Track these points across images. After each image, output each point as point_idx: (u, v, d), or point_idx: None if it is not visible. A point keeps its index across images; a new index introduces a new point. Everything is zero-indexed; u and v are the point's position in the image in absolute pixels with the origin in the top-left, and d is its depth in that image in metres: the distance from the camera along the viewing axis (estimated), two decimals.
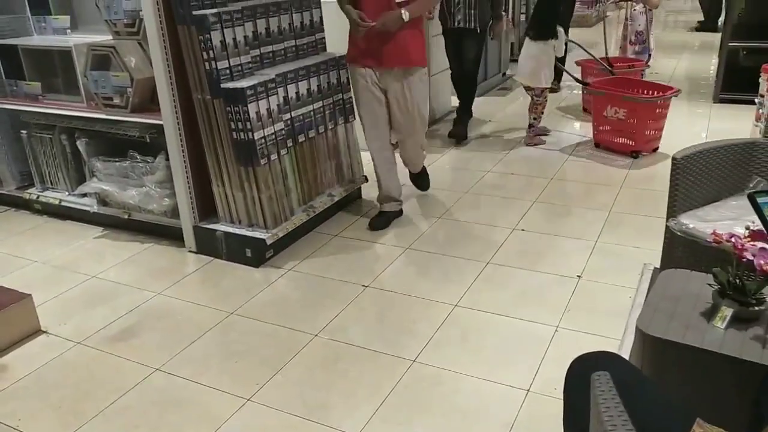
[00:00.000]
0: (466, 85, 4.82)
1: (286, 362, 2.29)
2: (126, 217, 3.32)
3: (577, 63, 5.41)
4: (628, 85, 4.57)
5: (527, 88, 4.58)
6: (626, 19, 5.69)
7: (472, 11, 4.39)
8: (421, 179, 3.75)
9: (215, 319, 2.58)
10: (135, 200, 3.22)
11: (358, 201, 3.73)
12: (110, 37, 3.09)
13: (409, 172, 3.70)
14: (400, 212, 3.48)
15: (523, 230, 3.26)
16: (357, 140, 3.59)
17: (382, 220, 3.38)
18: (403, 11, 2.95)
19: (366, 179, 3.70)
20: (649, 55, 5.63)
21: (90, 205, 3.45)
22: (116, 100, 3.10)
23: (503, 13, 4.61)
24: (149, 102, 3.11)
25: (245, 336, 2.48)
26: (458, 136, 4.73)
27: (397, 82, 3.13)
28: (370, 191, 3.80)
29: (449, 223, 3.42)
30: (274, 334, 2.48)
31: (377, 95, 3.18)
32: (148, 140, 3.11)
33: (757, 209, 0.91)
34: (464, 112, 4.84)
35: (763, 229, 0.92)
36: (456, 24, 4.46)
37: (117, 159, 3.27)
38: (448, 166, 4.36)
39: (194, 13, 2.72)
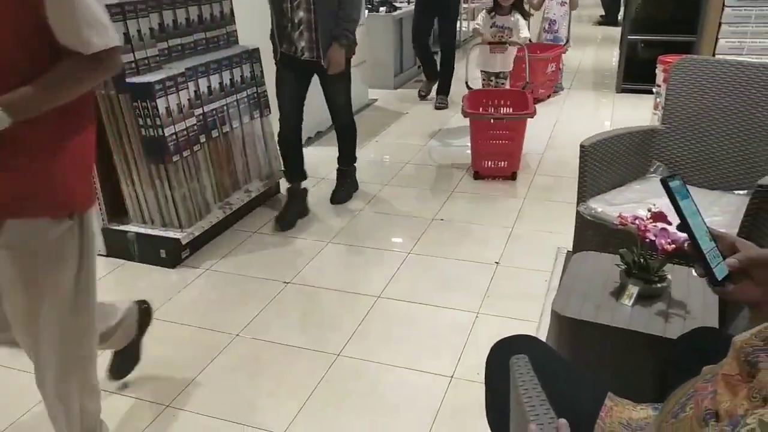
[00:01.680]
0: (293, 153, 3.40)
1: (207, 364, 2.22)
2: None
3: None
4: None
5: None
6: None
7: (313, 34, 3.02)
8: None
9: None
10: None
11: (277, 196, 3.67)
12: None
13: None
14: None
15: (442, 220, 3.31)
16: (274, 134, 3.52)
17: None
18: None
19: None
20: (567, 40, 5.93)
21: None
22: None
23: (348, 34, 3.06)
24: None
25: (162, 340, 2.38)
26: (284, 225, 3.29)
27: None
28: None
29: (370, 215, 3.42)
30: (193, 336, 2.39)
31: None
32: None
33: (669, 193, 0.95)
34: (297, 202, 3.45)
35: (675, 211, 0.97)
36: (298, 52, 3.07)
37: None
38: (367, 159, 4.36)
39: None
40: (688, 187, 1.01)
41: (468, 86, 4.27)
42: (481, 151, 3.84)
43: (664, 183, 0.97)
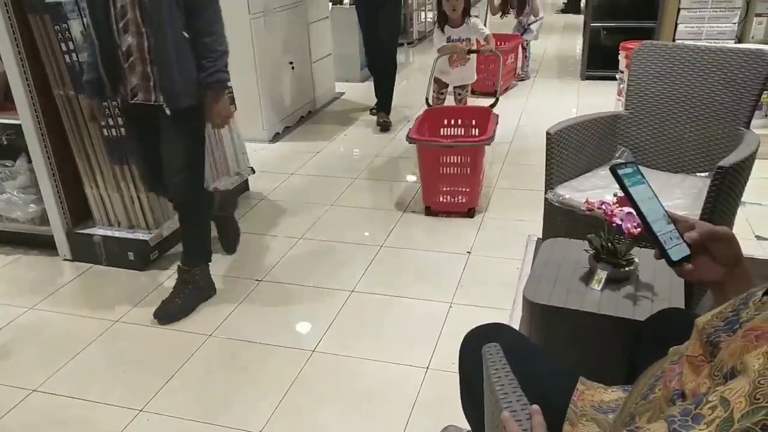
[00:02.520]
0: None
1: (181, 366, 2.19)
2: None
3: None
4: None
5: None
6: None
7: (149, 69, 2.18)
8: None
9: (98, 330, 2.41)
10: None
11: (247, 193, 3.63)
12: None
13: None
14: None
15: (413, 212, 3.32)
16: (239, 131, 3.48)
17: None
18: None
19: (253, 170, 3.59)
20: (525, 30, 6.00)
21: None
22: None
23: (224, 73, 2.30)
24: (3, 100, 2.83)
25: (134, 344, 2.34)
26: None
27: None
28: (258, 183, 3.70)
29: (341, 209, 3.40)
30: (165, 338, 2.36)
31: None
32: (5, 142, 2.83)
33: (619, 180, 0.98)
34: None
35: (625, 197, 0.99)
36: (128, 95, 2.24)
37: None
38: (337, 152, 4.34)
39: (47, 0, 2.50)
40: (650, 170, 1.03)
41: (428, 103, 3.73)
42: (432, 183, 3.18)
43: (613, 171, 1.00)
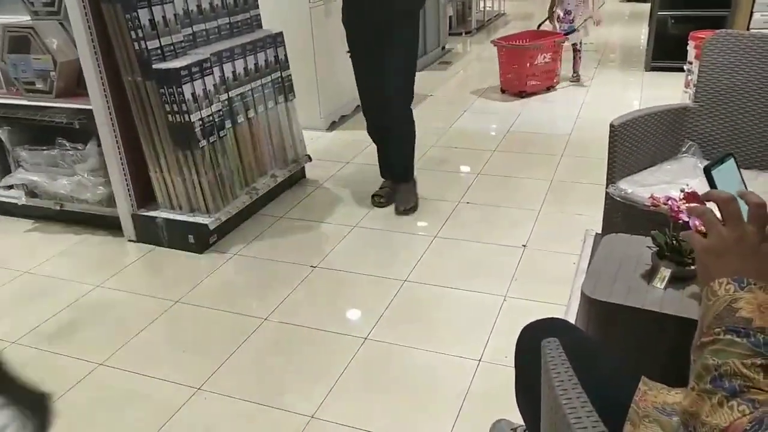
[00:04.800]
0: None
1: (237, 348, 2.25)
2: (58, 208, 3.16)
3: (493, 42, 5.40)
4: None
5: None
6: None
7: None
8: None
9: (160, 309, 2.50)
10: (67, 190, 3.07)
11: (303, 181, 3.68)
12: (28, 18, 2.91)
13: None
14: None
15: (468, 203, 3.29)
16: (298, 119, 3.52)
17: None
18: None
19: (309, 158, 3.64)
20: (572, 31, 5.31)
21: (17, 197, 3.26)
22: (39, 85, 2.93)
23: None
24: (76, 86, 2.95)
25: (192, 324, 2.42)
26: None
27: None
28: (314, 171, 3.75)
29: None
30: (222, 320, 2.43)
31: None
32: (77, 126, 2.95)
33: (712, 183, 0.92)
34: None
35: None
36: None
37: (44, 147, 3.10)
38: None
39: None
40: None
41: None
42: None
43: (707, 172, 0.93)
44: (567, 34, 5.27)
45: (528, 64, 5.10)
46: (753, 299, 0.75)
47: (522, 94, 5.18)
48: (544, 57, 5.16)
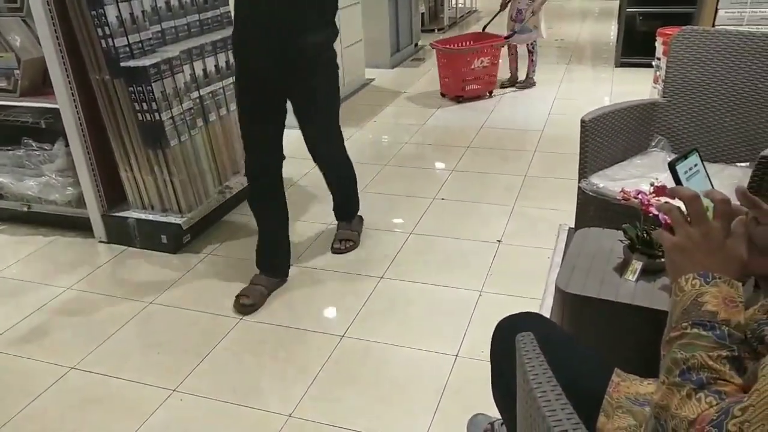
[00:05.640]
0: None
1: (212, 349, 2.23)
2: (25, 209, 3.09)
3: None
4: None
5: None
6: None
7: None
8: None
9: (133, 311, 2.47)
10: (34, 191, 3.00)
11: None
12: None
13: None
14: None
15: (443, 199, 3.30)
16: None
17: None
18: None
19: (284, 157, 3.60)
20: (514, 33, 5.04)
21: None
22: (2, 84, 2.86)
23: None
24: (41, 84, 2.89)
25: (166, 325, 2.39)
26: None
27: None
28: (286, 169, 3.71)
29: (369, 196, 3.40)
30: (197, 321, 2.40)
31: None
32: (43, 126, 2.89)
33: (676, 178, 0.93)
34: None
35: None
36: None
37: (9, 147, 3.03)
38: (366, 139, 4.34)
39: None
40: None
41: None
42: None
43: (671, 167, 0.94)
44: (520, 34, 5.00)
45: (463, 69, 4.87)
46: (718, 293, 0.77)
47: (459, 99, 4.98)
48: (482, 61, 4.91)
